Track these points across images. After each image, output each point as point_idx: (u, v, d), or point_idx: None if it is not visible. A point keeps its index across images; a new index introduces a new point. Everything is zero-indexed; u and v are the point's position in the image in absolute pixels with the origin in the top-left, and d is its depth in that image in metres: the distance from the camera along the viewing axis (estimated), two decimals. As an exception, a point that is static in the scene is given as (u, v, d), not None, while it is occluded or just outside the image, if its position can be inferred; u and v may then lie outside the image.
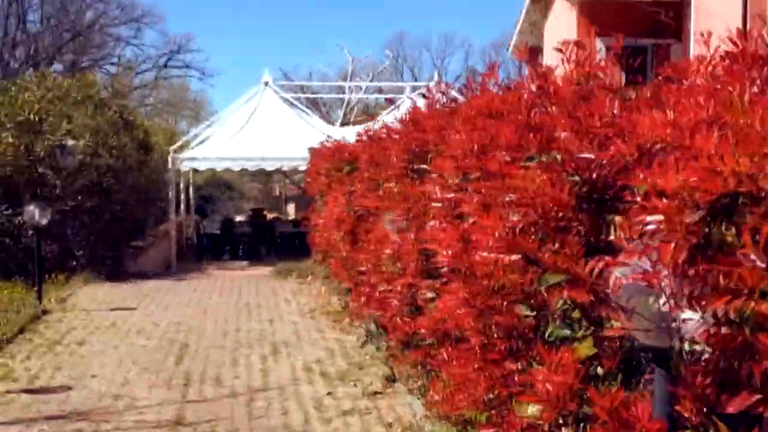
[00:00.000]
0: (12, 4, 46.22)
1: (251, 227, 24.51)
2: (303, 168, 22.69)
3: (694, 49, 12.84)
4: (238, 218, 39.02)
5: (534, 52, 28.48)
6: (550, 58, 22.22)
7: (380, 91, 41.35)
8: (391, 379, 7.40)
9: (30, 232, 12.54)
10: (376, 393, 7.01)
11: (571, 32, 21.29)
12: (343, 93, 39.03)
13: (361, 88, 39.29)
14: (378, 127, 9.76)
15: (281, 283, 14.43)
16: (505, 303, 3.57)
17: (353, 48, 45.57)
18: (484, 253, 3.54)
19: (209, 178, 29.82)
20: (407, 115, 7.15)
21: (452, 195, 4.66)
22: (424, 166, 5.92)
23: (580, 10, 20.88)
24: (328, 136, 15.02)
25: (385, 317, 7.46)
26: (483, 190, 3.86)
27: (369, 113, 43.27)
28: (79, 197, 14.45)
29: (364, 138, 8.84)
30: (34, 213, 11.02)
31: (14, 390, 7.23)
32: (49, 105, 15.03)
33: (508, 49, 31.34)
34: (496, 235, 3.40)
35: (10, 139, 13.75)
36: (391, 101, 26.30)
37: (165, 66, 52.12)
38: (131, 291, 13.31)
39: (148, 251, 19.02)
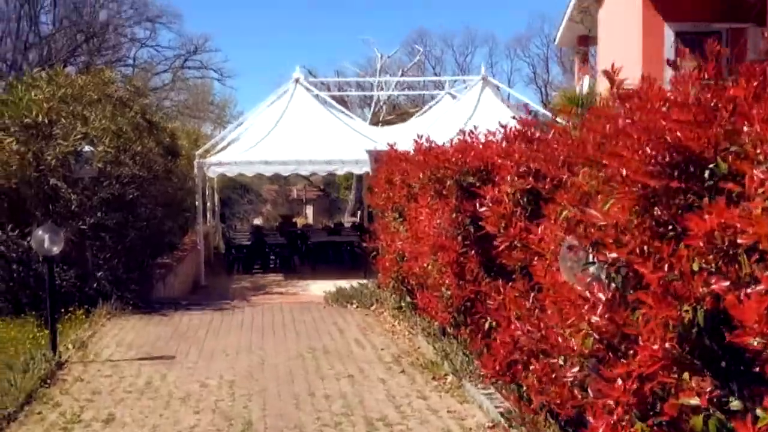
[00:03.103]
0: (24, 5, 44.20)
1: (283, 236, 22.38)
2: (340, 172, 20.76)
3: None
4: (256, 222, 37.00)
5: (584, 42, 26.12)
6: (606, 48, 19.92)
7: (413, 87, 38.94)
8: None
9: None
10: None
11: (632, 19, 18.84)
12: (377, 90, 36.55)
13: (393, 84, 36.91)
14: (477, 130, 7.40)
15: (341, 313, 12.00)
16: None
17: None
18: None
19: (226, 180, 27.84)
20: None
21: None
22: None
23: (646, -7, 18.47)
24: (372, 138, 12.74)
25: (557, 403, 5.06)
26: None
27: (400, 112, 40.93)
28: (99, 213, 12.07)
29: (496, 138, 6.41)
30: (44, 239, 8.65)
31: None
32: (60, 105, 12.66)
33: (555, 40, 29.03)
34: None
35: (15, 146, 11.36)
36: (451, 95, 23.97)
37: (182, 67, 50.05)
38: (164, 328, 10.91)
39: (177, 269, 16.70)
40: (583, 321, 4.31)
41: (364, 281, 14.37)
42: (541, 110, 23.33)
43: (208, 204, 23.12)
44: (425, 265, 8.71)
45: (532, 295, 5.55)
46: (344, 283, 14.49)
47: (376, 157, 13.12)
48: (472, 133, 7.59)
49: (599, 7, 21.06)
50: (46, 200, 11.86)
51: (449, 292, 8.03)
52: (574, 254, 4.62)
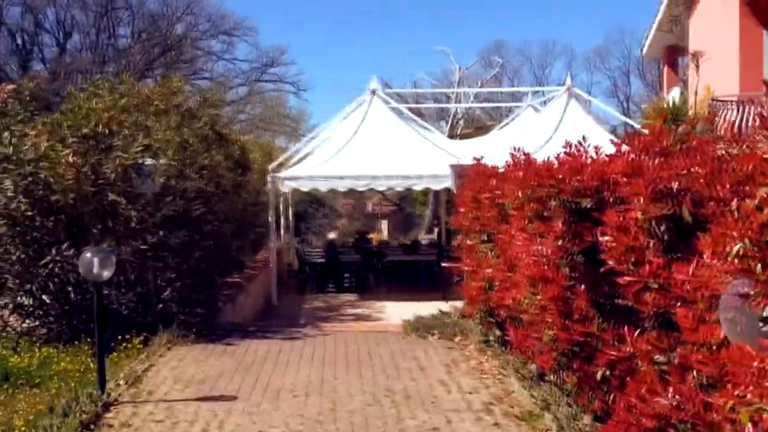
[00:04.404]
0: (103, 17, 44.55)
1: (358, 254, 21.45)
2: (417, 188, 19.69)
3: None
4: (331, 235, 36.13)
5: (673, 53, 24.56)
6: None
7: (491, 99, 37.60)
8: None
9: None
10: None
11: (728, 28, 17.36)
12: (455, 102, 35.37)
13: (471, 96, 35.66)
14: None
15: (422, 346, 10.83)
16: None
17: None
18: None
19: (302, 194, 27.21)
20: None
21: None
22: None
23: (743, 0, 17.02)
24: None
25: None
26: None
27: (478, 125, 39.59)
28: (161, 231, 11.18)
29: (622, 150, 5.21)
30: (92, 263, 7.72)
31: None
32: (122, 115, 11.86)
33: (642, 50, 27.52)
34: None
35: (71, 158, 10.55)
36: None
37: (257, 80, 49.80)
38: (228, 359, 9.93)
39: (247, 289, 15.83)
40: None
41: (444, 306, 13.33)
42: (632, 123, 21.83)
43: (282, 220, 22.42)
44: (521, 298, 7.51)
45: (674, 352, 4.34)
46: (422, 306, 13.61)
47: (459, 172, 11.97)
48: (581, 144, 6.39)
49: (690, 16, 19.69)
50: (104, 217, 11.02)
51: (551, 333, 6.82)
52: (742, 305, 3.43)
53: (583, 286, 6.34)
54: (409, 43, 75.74)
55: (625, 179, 4.86)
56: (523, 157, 7.36)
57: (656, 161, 4.51)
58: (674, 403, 4.13)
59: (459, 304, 12.30)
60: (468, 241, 10.56)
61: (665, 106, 20.12)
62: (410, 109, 24.97)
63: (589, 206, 5.40)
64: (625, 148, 5.09)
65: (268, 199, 17.25)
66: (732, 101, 14.79)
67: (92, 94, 12.21)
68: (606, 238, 4.90)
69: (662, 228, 4.48)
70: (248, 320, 14.65)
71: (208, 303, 12.49)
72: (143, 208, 11.18)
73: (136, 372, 9.10)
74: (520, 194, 6.94)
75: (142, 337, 10.48)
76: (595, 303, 6.25)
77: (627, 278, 4.62)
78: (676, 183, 4.32)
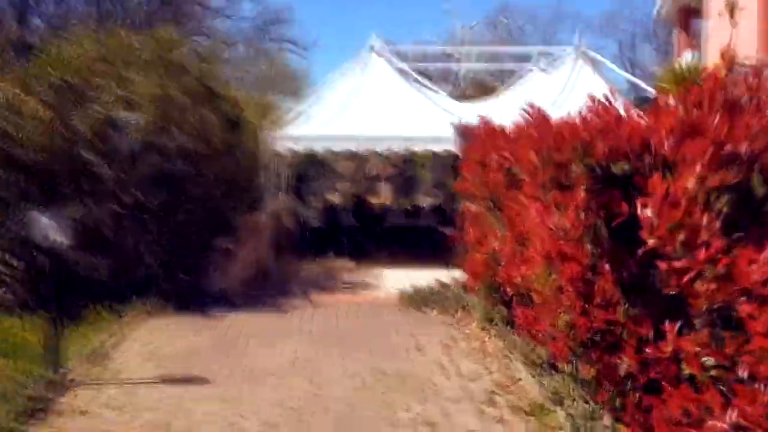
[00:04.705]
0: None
1: (356, 218, 20.57)
2: (418, 150, 18.72)
3: None
4: (332, 198, 35.11)
5: (688, 14, 23.39)
6: (715, 22, 17.33)
7: (497, 59, 36.31)
8: None
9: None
10: None
11: None
12: (458, 61, 34.10)
13: (475, 56, 34.34)
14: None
15: (419, 321, 9.94)
16: None
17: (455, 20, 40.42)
18: None
19: (302, 155, 26.34)
20: None
21: None
22: None
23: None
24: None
25: None
26: None
27: (482, 87, 38.30)
28: (140, 192, 10.25)
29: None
30: (47, 228, 6.82)
31: None
32: (102, 65, 10.88)
33: (657, 11, 26.37)
34: None
35: (41, 112, 9.58)
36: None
37: (261, 39, 48.49)
38: (208, 333, 9.04)
39: (239, 254, 14.89)
40: None
41: (445, 275, 12.45)
42: (648, 88, 20.76)
43: (281, 181, 21.54)
44: (533, 275, 6.59)
45: (737, 360, 3.41)
46: (422, 275, 12.72)
47: (463, 132, 10.99)
48: (609, 100, 5.44)
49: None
50: (77, 176, 10.09)
51: (568, 317, 5.92)
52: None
53: (608, 266, 5.44)
54: (415, 11, 73.88)
55: (675, 140, 3.92)
56: (538, 115, 6.38)
57: (718, 118, 3.55)
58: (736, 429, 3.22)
59: (460, 274, 11.37)
60: (472, 209, 9.61)
61: (680, 68, 19.03)
62: (414, 69, 23.93)
63: (625, 172, 4.44)
64: (671, 102, 4.13)
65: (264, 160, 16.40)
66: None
67: (70, 42, 11.23)
68: (648, 211, 3.96)
69: (723, 201, 3.54)
70: (239, 287, 13.72)
71: (194, 269, 11.59)
72: (119, 166, 10.23)
73: (104, 347, 8.24)
74: (534, 157, 5.97)
75: (116, 307, 9.60)
76: (622, 286, 5.36)
77: (676, 263, 3.71)
78: (746, 146, 3.38)
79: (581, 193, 5.37)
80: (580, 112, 5.79)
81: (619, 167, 4.48)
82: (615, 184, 5.02)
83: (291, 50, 47.80)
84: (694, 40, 23.23)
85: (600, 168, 5.10)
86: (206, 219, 12.67)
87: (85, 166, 10.01)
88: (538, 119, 6.28)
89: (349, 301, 11.30)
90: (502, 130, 8.14)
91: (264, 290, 13.38)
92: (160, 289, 10.28)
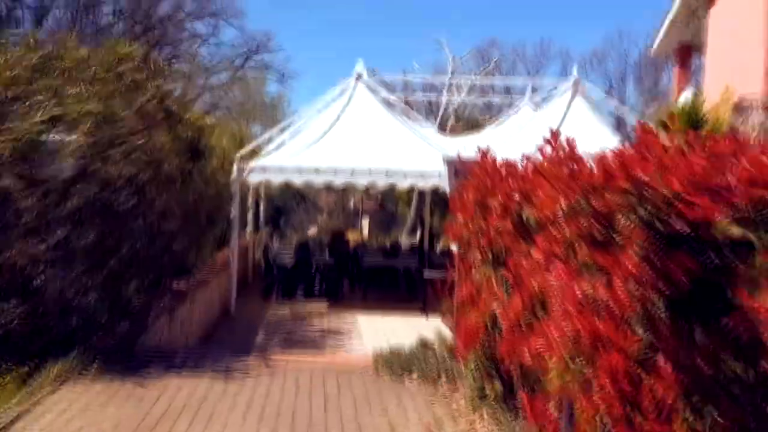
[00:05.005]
0: (84, -8, 41.74)
1: (332, 256, 19.16)
2: (401, 186, 17.26)
3: None
4: (311, 231, 33.47)
5: (686, 51, 22.21)
6: (717, 58, 16.23)
7: (486, 92, 35.08)
8: None
9: None
10: None
11: (751, 19, 15.19)
12: (448, 94, 32.81)
13: (465, 89, 33.00)
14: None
15: (395, 392, 8.22)
16: None
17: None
18: None
19: (282, 187, 25.07)
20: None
21: None
22: None
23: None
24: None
25: None
26: None
27: (468, 121, 36.95)
28: (64, 229, 8.57)
29: None
30: None
31: None
32: (33, 76, 9.27)
33: (654, 49, 25.32)
34: None
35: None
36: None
37: (242, 67, 47.14)
38: (132, 408, 7.26)
39: (193, 298, 13.22)
40: None
41: (425, 325, 11.23)
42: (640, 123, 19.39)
43: (249, 214, 20.12)
44: (548, 358, 4.97)
45: None
46: (400, 324, 12.30)
47: (458, 167, 9.43)
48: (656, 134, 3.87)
49: (709, 8, 17.37)
50: (-8, 207, 8.42)
51: (603, 423, 4.32)
52: None
53: (664, 360, 3.88)
54: (402, 41, 73.02)
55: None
56: (565, 147, 4.78)
57: None
58: None
59: (444, 331, 9.78)
60: (466, 259, 7.98)
61: (681, 109, 17.72)
62: (401, 100, 22.74)
63: (731, 237, 2.86)
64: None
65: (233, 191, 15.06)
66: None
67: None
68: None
69: None
70: (189, 340, 12.12)
71: (134, 318, 9.91)
72: (45, 197, 8.57)
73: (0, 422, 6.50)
74: (562, 203, 4.37)
75: (29, 368, 7.87)
76: (684, 386, 3.83)
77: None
78: None
79: (633, 257, 3.79)
80: (629, 143, 4.22)
81: (725, 229, 2.89)
82: (679, 244, 3.48)
83: (273, 78, 46.53)
84: (692, 77, 22.13)
85: (660, 220, 3.54)
86: (155, 257, 10.99)
87: (6, 197, 8.33)
88: (566, 153, 4.67)
89: (315, 364, 9.57)
90: (510, 165, 6.55)
91: (218, 341, 11.86)
92: (87, 344, 8.57)
